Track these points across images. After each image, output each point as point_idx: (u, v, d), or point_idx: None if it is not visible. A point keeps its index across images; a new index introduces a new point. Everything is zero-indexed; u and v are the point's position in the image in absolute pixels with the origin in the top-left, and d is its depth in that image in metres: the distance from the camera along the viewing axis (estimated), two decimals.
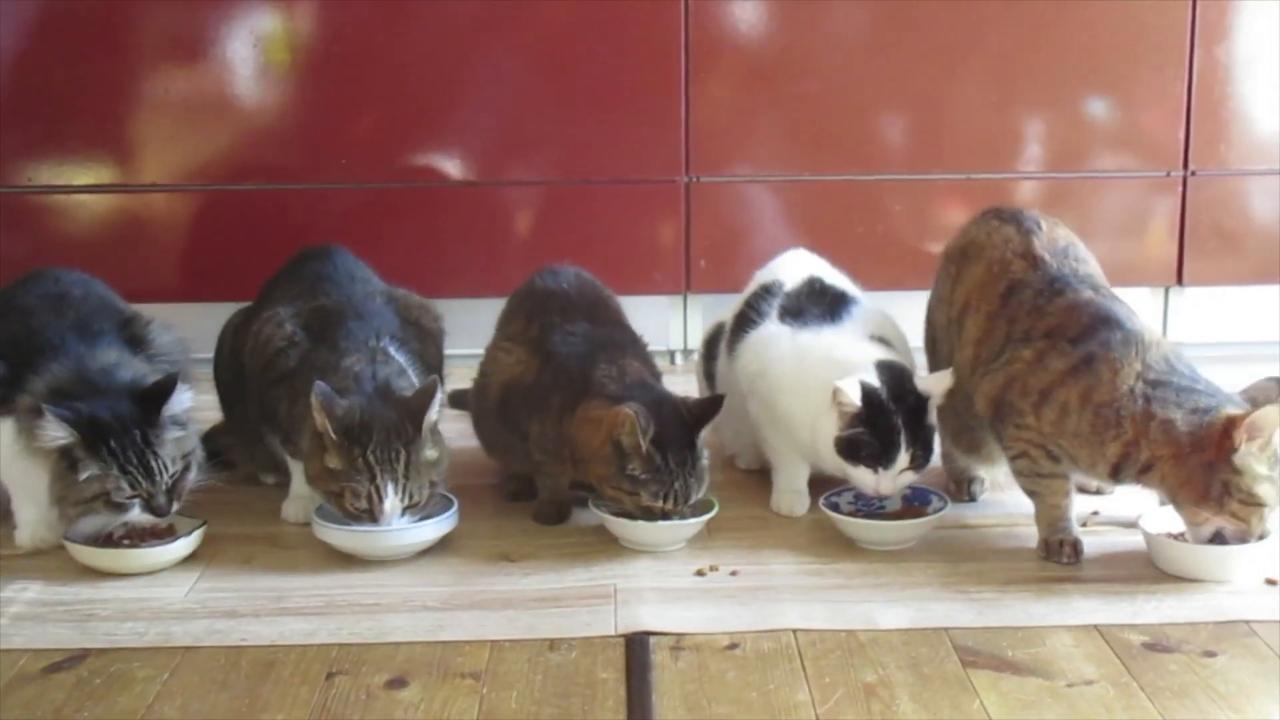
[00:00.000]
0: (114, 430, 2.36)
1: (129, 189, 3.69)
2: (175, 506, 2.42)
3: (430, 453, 2.41)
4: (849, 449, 2.44)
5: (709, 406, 2.49)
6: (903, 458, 2.42)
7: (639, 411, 2.37)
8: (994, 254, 2.51)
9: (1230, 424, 2.20)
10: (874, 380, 2.43)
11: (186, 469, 2.44)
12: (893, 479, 2.44)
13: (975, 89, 3.72)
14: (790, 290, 2.69)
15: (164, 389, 2.44)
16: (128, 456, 2.36)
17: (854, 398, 2.40)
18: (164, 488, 2.39)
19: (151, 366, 2.58)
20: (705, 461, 2.47)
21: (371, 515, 2.37)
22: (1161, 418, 2.24)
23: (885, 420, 2.42)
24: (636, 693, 1.94)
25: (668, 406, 2.46)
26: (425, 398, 2.41)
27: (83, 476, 2.35)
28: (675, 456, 2.40)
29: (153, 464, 2.38)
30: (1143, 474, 2.27)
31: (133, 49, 3.65)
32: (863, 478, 2.45)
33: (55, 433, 2.33)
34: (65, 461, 2.36)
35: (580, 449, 2.48)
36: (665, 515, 2.42)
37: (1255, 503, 2.21)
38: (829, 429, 2.45)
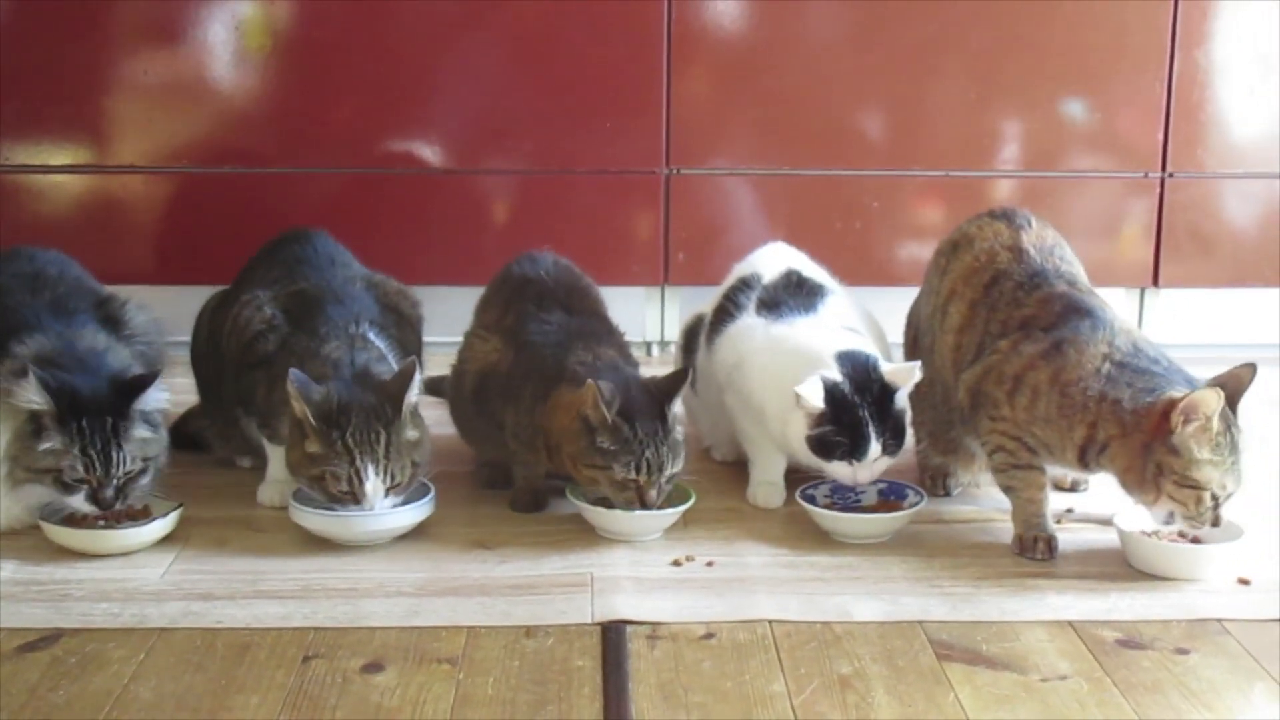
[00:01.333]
0: (88, 410, 2.35)
1: (106, 170, 3.67)
2: (119, 505, 2.40)
3: (411, 433, 2.41)
4: (821, 447, 2.45)
5: (675, 379, 2.49)
6: (874, 448, 2.43)
7: (603, 385, 2.37)
8: (983, 245, 2.56)
9: (1169, 405, 2.22)
10: (835, 375, 2.44)
11: (142, 472, 2.42)
12: (869, 468, 2.46)
13: (954, 87, 3.73)
14: (768, 283, 2.70)
15: (140, 383, 2.43)
16: (92, 440, 2.35)
17: (816, 401, 2.40)
18: (116, 481, 2.37)
19: (131, 350, 2.57)
20: (679, 435, 2.47)
21: (354, 497, 2.37)
22: (1112, 397, 2.27)
23: (851, 415, 2.42)
24: (613, 680, 1.95)
25: (634, 382, 2.48)
26: (404, 379, 2.41)
27: (42, 446, 2.34)
28: (644, 427, 2.40)
29: (113, 455, 2.36)
30: (1101, 456, 2.29)
31: (111, 29, 3.63)
32: (839, 471, 2.47)
33: (33, 396, 2.32)
34: (31, 426, 2.35)
35: (553, 435, 2.48)
36: (643, 498, 2.41)
37: (1192, 485, 2.23)
38: (799, 429, 2.46)
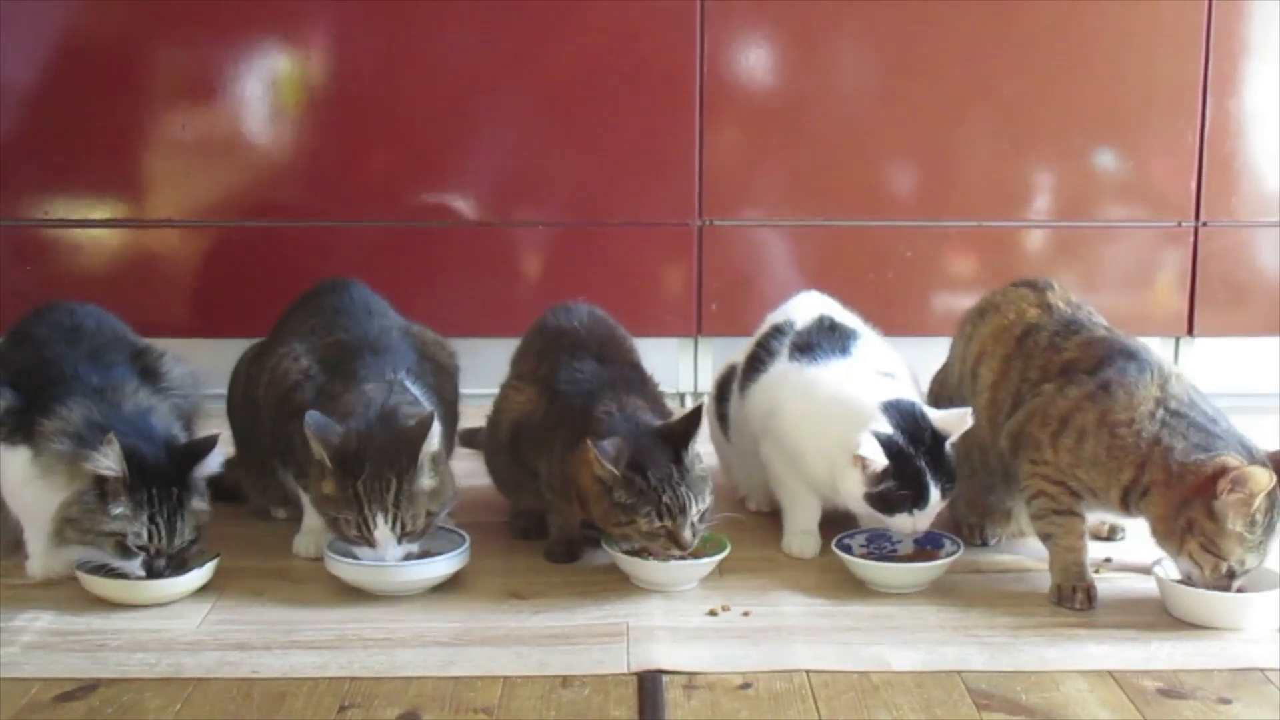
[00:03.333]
0: (158, 480, 2.37)
1: (144, 224, 3.70)
2: (168, 574, 2.40)
3: (427, 481, 2.40)
4: (883, 504, 2.44)
5: (689, 420, 2.47)
6: (935, 494, 2.43)
7: (602, 445, 2.36)
8: (1010, 307, 2.59)
9: (1220, 470, 2.20)
10: (886, 427, 2.43)
11: (194, 541, 2.44)
12: (928, 516, 2.46)
13: (986, 137, 3.74)
14: (801, 328, 2.71)
15: (200, 450, 2.45)
16: (160, 509, 2.36)
17: (879, 458, 2.39)
18: (173, 551, 2.39)
19: (169, 404, 2.58)
20: (702, 470, 2.44)
21: (367, 543, 2.38)
22: (1165, 444, 2.27)
23: (911, 468, 2.42)
24: None
25: (645, 430, 2.45)
26: (423, 428, 2.39)
27: (114, 512, 2.34)
28: (656, 473, 2.38)
29: (177, 525, 2.38)
30: (1141, 500, 2.29)
31: (150, 87, 3.66)
32: (900, 524, 2.46)
33: (110, 463, 2.33)
34: (96, 490, 2.35)
35: (581, 489, 2.48)
36: (677, 540, 2.39)
37: (1214, 552, 2.22)
38: (855, 485, 2.45)
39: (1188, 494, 2.23)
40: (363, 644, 2.22)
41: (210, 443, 2.45)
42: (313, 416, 2.39)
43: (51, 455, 2.40)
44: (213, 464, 2.46)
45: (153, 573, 2.38)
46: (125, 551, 2.37)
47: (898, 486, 2.41)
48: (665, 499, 2.38)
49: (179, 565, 2.41)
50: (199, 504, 2.43)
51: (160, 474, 2.37)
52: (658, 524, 2.39)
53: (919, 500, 2.42)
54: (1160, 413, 2.30)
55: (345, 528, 2.38)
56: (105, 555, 2.38)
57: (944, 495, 2.44)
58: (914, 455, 2.42)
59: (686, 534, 2.40)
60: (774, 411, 2.64)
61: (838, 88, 3.72)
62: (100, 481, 2.35)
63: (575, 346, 2.67)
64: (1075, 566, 2.40)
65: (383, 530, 2.36)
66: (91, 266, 3.70)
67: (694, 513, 2.41)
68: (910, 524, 2.45)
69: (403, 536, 2.39)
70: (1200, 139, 3.70)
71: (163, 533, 2.36)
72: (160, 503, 2.36)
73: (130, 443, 2.36)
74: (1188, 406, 2.31)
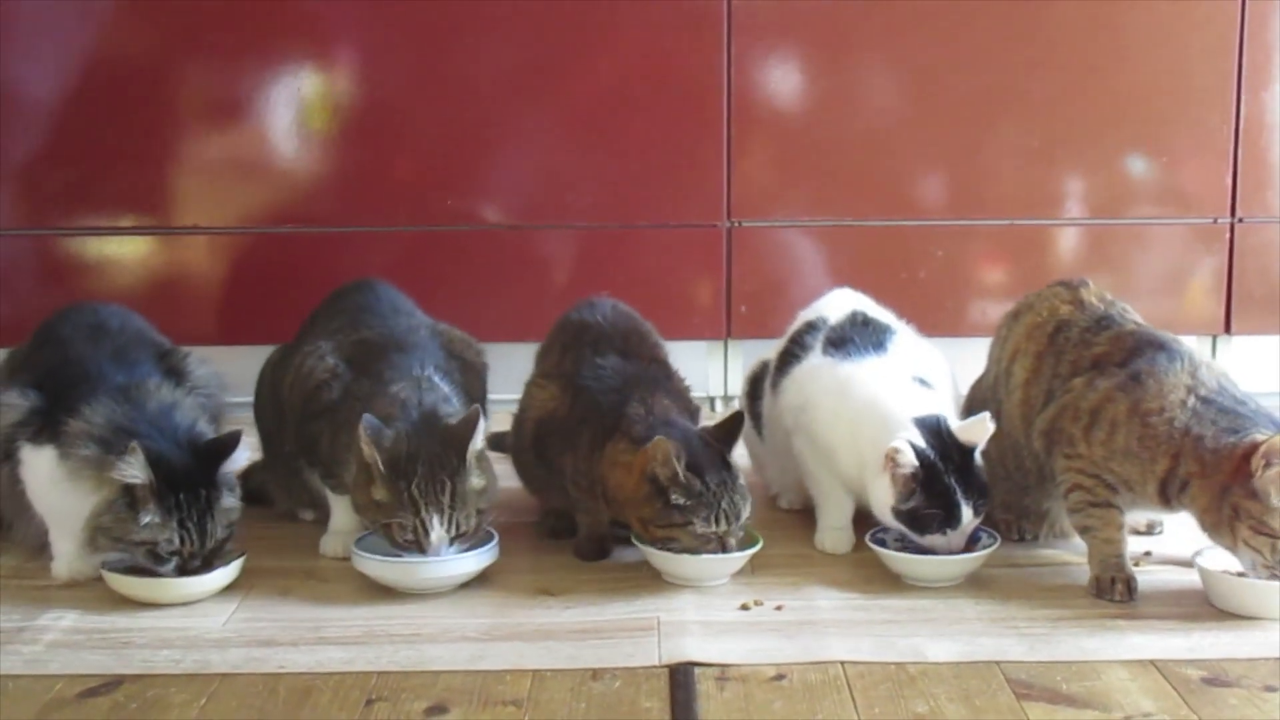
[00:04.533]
0: (185, 484, 2.35)
1: (171, 231, 3.69)
2: (204, 574, 2.38)
3: (476, 481, 2.38)
4: (914, 522, 2.40)
5: (731, 424, 2.46)
6: (967, 513, 2.38)
7: (671, 443, 2.33)
8: (1043, 305, 2.57)
9: (1251, 448, 2.16)
10: (919, 440, 2.39)
11: (227, 540, 2.41)
12: (962, 535, 2.41)
13: (1018, 134, 3.70)
14: (834, 323, 2.67)
15: (224, 447, 2.42)
16: (190, 513, 2.34)
17: (910, 458, 2.35)
18: (206, 552, 2.37)
19: (194, 401, 2.56)
20: (744, 480, 2.43)
21: (419, 547, 2.35)
22: (1196, 433, 2.23)
23: (942, 484, 2.37)
24: None
25: (693, 436, 2.44)
26: (469, 426, 2.38)
27: (144, 520, 2.32)
28: (714, 478, 2.36)
29: (208, 526, 2.36)
30: (1182, 494, 2.24)
31: (176, 97, 3.66)
32: (934, 543, 2.41)
33: (135, 471, 2.30)
34: (125, 499, 2.33)
35: (613, 491, 2.45)
36: (725, 548, 2.38)
37: (1268, 532, 2.17)
38: (884, 495, 2.41)
39: (1226, 480, 2.19)
40: (390, 640, 2.19)
41: (235, 438, 2.43)
42: (369, 420, 2.36)
43: (78, 460, 2.38)
44: (239, 460, 2.43)
45: (187, 573, 2.36)
46: (158, 559, 2.34)
47: (927, 504, 2.37)
48: (724, 504, 2.36)
49: (211, 566, 2.38)
50: (229, 501, 2.41)
51: (187, 476, 2.35)
52: (712, 529, 2.36)
53: (950, 519, 2.37)
54: (1191, 400, 2.26)
55: (399, 533, 2.35)
56: (138, 560, 2.36)
57: (977, 512, 2.39)
58: (944, 472, 2.37)
59: (732, 542, 2.39)
60: (806, 406, 2.61)
61: (867, 87, 3.69)
62: (129, 490, 2.32)
63: (599, 341, 2.64)
64: (1114, 558, 2.36)
65: (438, 532, 2.34)
66: (119, 275, 3.69)
67: (743, 520, 2.40)
68: (945, 544, 2.40)
69: (455, 538, 2.37)
70: (1235, 134, 3.66)
71: (194, 537, 2.34)
72: (189, 507, 2.33)
73: (155, 447, 2.34)
74: (1217, 393, 2.28)
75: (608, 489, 2.46)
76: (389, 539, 2.37)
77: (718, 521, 2.37)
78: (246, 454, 2.48)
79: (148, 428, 2.40)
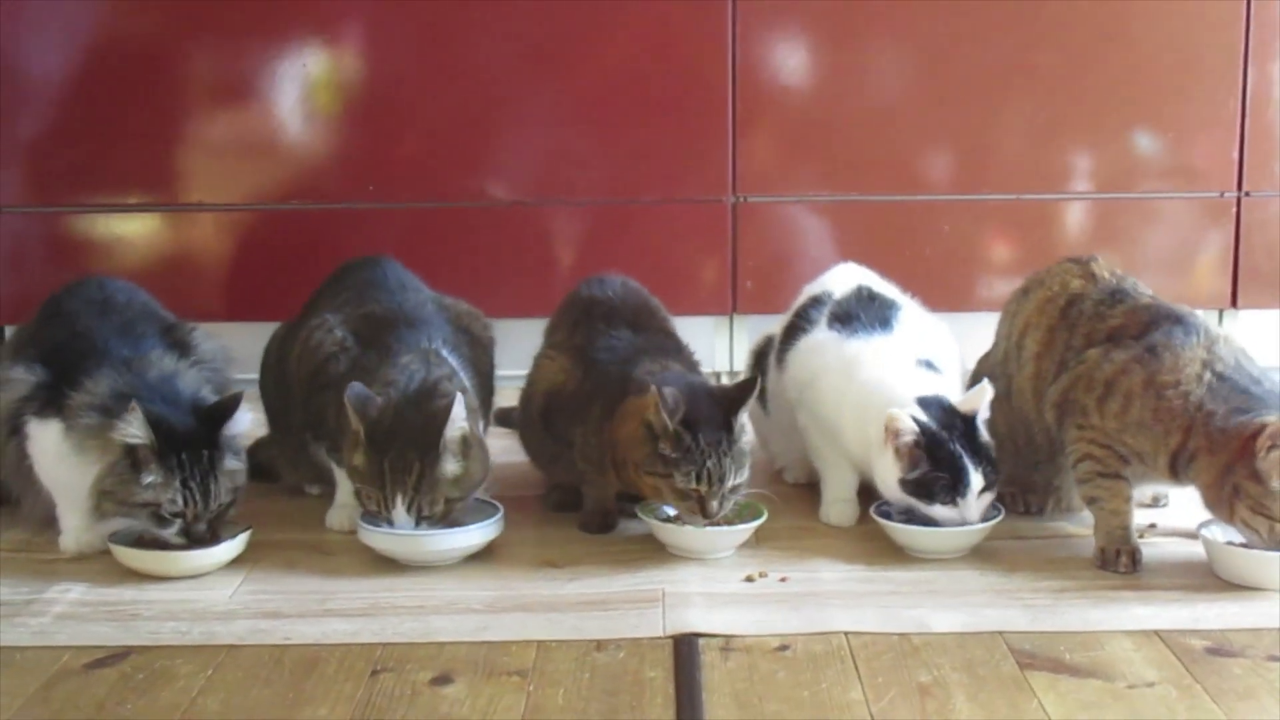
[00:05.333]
0: (188, 444, 2.35)
1: (176, 208, 3.70)
2: (208, 537, 2.39)
3: (451, 467, 2.37)
4: (920, 490, 2.39)
5: (744, 387, 2.45)
6: (976, 479, 2.37)
7: (667, 393, 2.33)
8: (1054, 281, 2.57)
9: (1257, 430, 2.16)
10: (921, 415, 2.39)
11: (231, 504, 2.42)
12: (974, 504, 2.39)
13: (1024, 109, 3.69)
14: (839, 298, 2.67)
15: (226, 409, 2.43)
16: (192, 473, 2.35)
17: (909, 424, 2.35)
18: (210, 515, 2.38)
19: (199, 374, 2.57)
20: (745, 445, 2.42)
21: (387, 521, 2.37)
22: (1208, 409, 2.23)
23: (946, 450, 2.37)
24: (686, 690, 1.90)
25: (700, 390, 2.44)
26: (444, 412, 2.35)
27: (145, 480, 2.33)
28: (707, 437, 2.35)
29: (211, 488, 2.36)
30: (1189, 468, 2.25)
31: (185, 74, 3.67)
32: (945, 515, 2.40)
33: (136, 431, 2.31)
34: (128, 460, 2.34)
35: (620, 446, 2.45)
36: (704, 508, 2.37)
37: (1265, 513, 2.17)
38: (890, 471, 2.41)
39: (1230, 459, 2.19)
40: (395, 612, 2.20)
41: (235, 400, 2.43)
42: (354, 388, 2.37)
43: (82, 430, 2.39)
44: (241, 422, 2.44)
45: (191, 537, 2.36)
46: (161, 521, 2.35)
47: (933, 470, 2.37)
48: (709, 464, 2.36)
49: (215, 532, 2.39)
50: (233, 463, 2.41)
51: (189, 438, 2.36)
52: (692, 486, 2.36)
53: (957, 484, 2.37)
54: (1207, 375, 2.26)
55: (367, 501, 2.38)
56: (143, 525, 2.37)
57: (987, 481, 2.38)
58: (947, 439, 2.37)
59: (714, 504, 2.38)
60: (811, 381, 2.61)
61: (873, 61, 3.69)
62: (130, 451, 2.33)
63: (609, 316, 2.65)
64: (1120, 530, 2.36)
65: (399, 512, 2.35)
66: (126, 252, 3.70)
67: (729, 484, 2.38)
68: (956, 515, 2.39)
69: (420, 520, 2.37)
70: (1242, 108, 3.65)
71: (197, 498, 2.35)
72: (192, 467, 2.34)
73: (155, 409, 2.34)
74: (1233, 370, 2.28)
75: (616, 448, 2.46)
76: (363, 506, 2.40)
77: (699, 479, 2.35)
78: (249, 417, 2.48)
79: (149, 393, 2.40)
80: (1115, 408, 2.33)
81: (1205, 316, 3.67)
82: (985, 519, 2.43)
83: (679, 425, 2.34)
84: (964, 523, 2.39)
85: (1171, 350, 2.30)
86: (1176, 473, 2.28)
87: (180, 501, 2.34)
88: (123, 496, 2.34)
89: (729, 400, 2.42)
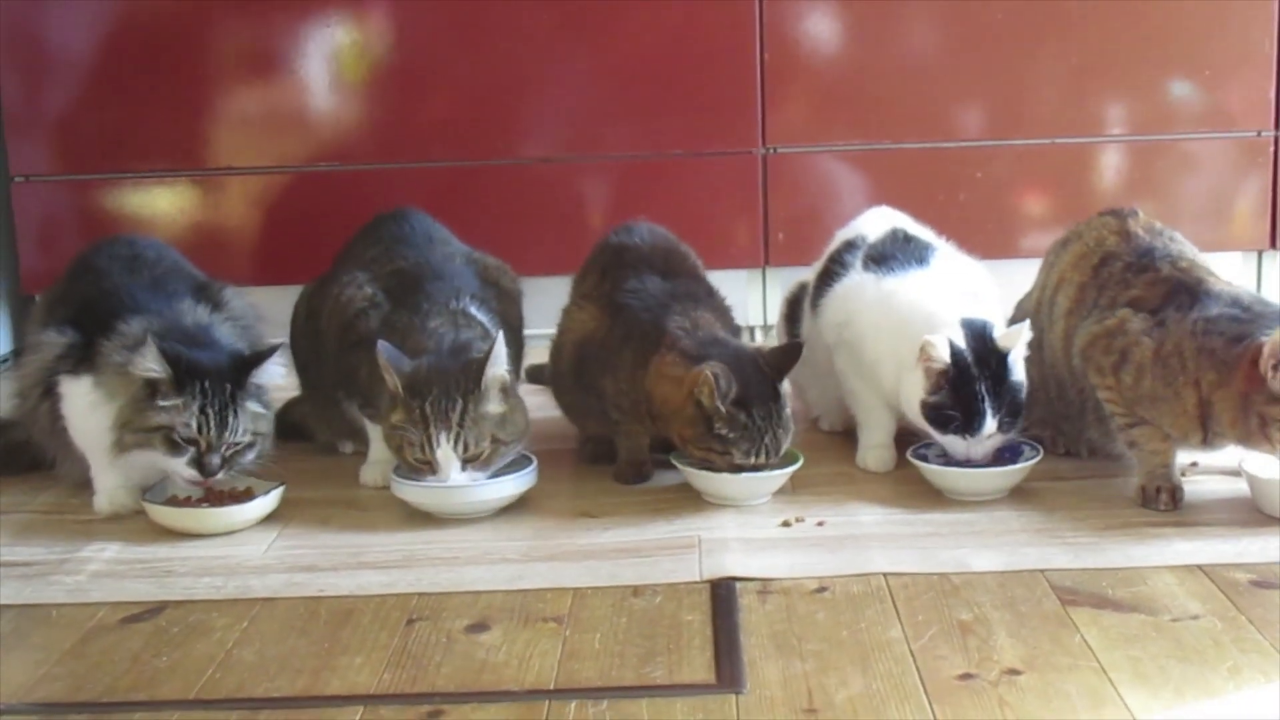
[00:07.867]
0: (209, 374, 2.35)
1: (206, 172, 3.69)
2: (222, 474, 2.38)
3: (494, 407, 2.35)
4: (936, 417, 2.38)
5: (788, 354, 2.44)
6: (990, 424, 2.35)
7: (719, 373, 2.31)
8: (1091, 235, 2.53)
9: (1256, 351, 2.13)
10: (960, 341, 2.36)
11: (250, 445, 2.41)
12: (982, 444, 2.38)
13: (1055, 52, 3.64)
14: (874, 241, 2.64)
15: (260, 357, 2.44)
16: (210, 400, 2.34)
17: (943, 353, 2.33)
18: (224, 447, 2.36)
19: (231, 328, 2.57)
20: (789, 410, 2.41)
21: (430, 466, 2.34)
22: (1207, 349, 2.20)
23: (970, 388, 2.34)
24: (724, 632, 1.89)
25: (747, 361, 2.41)
26: (487, 353, 2.35)
27: (163, 404, 2.33)
28: (760, 411, 2.35)
29: (229, 419, 2.35)
30: (1214, 422, 2.20)
31: (214, 40, 3.65)
32: (953, 445, 2.39)
33: (151, 364, 2.31)
34: (146, 391, 2.34)
35: (659, 406, 2.43)
36: (756, 468, 2.37)
37: None
38: (915, 389, 2.39)
39: (1244, 389, 2.15)
40: (430, 563, 2.20)
41: (271, 349, 2.45)
42: (384, 346, 2.36)
43: (110, 371, 2.39)
44: (273, 373, 2.44)
45: (204, 468, 2.35)
46: (174, 447, 2.35)
47: (951, 402, 2.35)
48: (766, 440, 2.35)
49: (229, 467, 2.39)
50: (256, 406, 2.41)
51: (213, 371, 2.36)
52: (751, 461, 2.36)
53: (972, 424, 2.35)
54: (1199, 325, 2.23)
55: (409, 450, 2.35)
56: (157, 455, 2.36)
57: (1002, 427, 2.36)
58: (976, 377, 2.35)
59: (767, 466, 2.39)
60: (848, 322, 2.58)
61: (902, 6, 3.63)
62: (150, 384, 2.34)
63: (638, 262, 2.62)
64: (1161, 468, 2.33)
65: (445, 450, 2.32)
66: (156, 218, 3.68)
67: (781, 452, 2.39)
68: (963, 448, 2.38)
69: (466, 460, 2.35)
70: (1277, 46, 3.58)
71: (212, 425, 2.34)
72: (212, 395, 2.34)
73: (175, 347, 2.35)
74: (1228, 306, 2.25)
75: (653, 402, 2.44)
76: (405, 463, 2.37)
77: (758, 454, 2.36)
78: (281, 370, 2.49)
79: (185, 340, 2.41)
80: (1129, 379, 2.30)
81: (1242, 259, 3.68)
82: (1024, 460, 2.41)
83: (732, 406, 2.32)
84: (968, 461, 2.38)
85: (1175, 319, 2.27)
86: (1207, 432, 2.23)
87: (194, 426, 2.33)
88: (139, 423, 2.35)
89: (774, 367, 2.41)
